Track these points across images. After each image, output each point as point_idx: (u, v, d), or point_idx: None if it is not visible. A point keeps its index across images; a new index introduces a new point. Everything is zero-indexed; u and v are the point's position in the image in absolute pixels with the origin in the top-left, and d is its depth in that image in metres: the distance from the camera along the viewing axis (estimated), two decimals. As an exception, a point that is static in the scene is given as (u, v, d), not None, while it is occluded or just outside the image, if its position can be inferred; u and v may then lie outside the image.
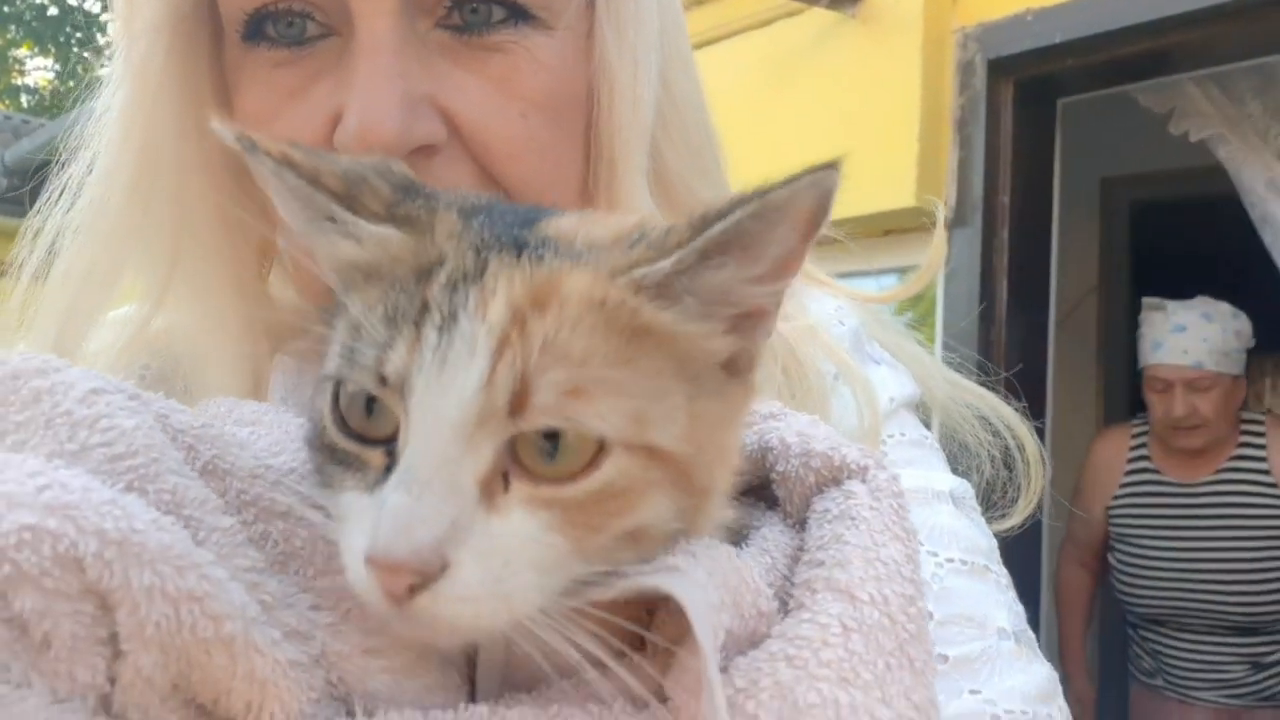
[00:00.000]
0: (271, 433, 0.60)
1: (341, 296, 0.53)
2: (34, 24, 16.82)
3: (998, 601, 0.83)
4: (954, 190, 3.39)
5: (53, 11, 16.80)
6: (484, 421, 0.48)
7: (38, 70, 18.20)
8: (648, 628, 0.53)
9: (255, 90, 0.82)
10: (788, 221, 0.51)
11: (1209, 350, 3.49)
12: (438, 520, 0.47)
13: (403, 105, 0.75)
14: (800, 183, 0.50)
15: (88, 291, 0.87)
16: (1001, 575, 0.86)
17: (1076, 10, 3.14)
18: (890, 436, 0.93)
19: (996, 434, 0.95)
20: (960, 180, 3.39)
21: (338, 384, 0.52)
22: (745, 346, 0.56)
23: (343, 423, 0.52)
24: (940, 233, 0.98)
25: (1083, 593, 3.85)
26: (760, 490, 0.65)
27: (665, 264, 0.51)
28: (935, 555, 0.84)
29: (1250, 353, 3.59)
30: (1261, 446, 3.55)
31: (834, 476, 0.60)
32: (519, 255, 0.51)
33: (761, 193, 0.50)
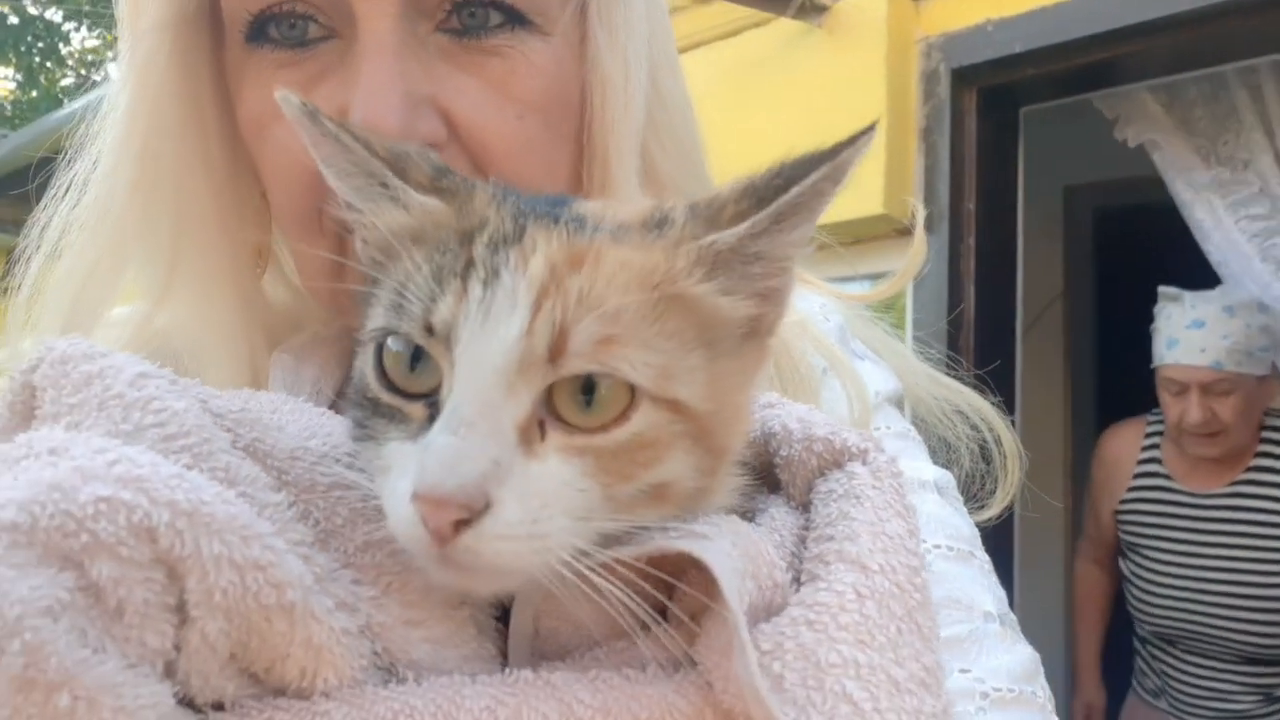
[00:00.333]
0: (298, 419, 0.63)
1: (388, 261, 0.57)
2: (-6, 33, 16.61)
3: (983, 585, 0.86)
4: (921, 198, 3.44)
5: (13, 21, 16.55)
6: (525, 368, 0.51)
7: (-1, 80, 17.97)
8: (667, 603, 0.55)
9: (257, 91, 0.84)
10: (845, 180, 0.56)
11: (1230, 349, 3.10)
12: (482, 458, 0.50)
13: (405, 105, 0.77)
14: (859, 142, 0.55)
15: (91, 289, 0.88)
16: (985, 561, 0.89)
17: (1035, 20, 3.20)
18: (876, 429, 0.95)
19: (974, 428, 0.98)
20: (927, 188, 3.43)
21: (380, 343, 0.55)
22: (766, 311, 0.60)
23: (385, 378, 0.55)
24: (921, 233, 1.01)
25: (1097, 592, 3.58)
26: (762, 477, 0.68)
27: (740, 229, 0.56)
28: (924, 541, 0.87)
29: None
30: None
31: (836, 459, 0.63)
32: (555, 223, 0.55)
33: (831, 154, 0.55)
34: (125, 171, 0.87)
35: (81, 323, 0.87)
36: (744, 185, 0.57)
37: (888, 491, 0.61)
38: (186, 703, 0.49)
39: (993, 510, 0.98)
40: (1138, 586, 3.36)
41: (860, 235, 3.08)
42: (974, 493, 0.98)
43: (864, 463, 0.63)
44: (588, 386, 0.52)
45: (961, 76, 3.40)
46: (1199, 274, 3.46)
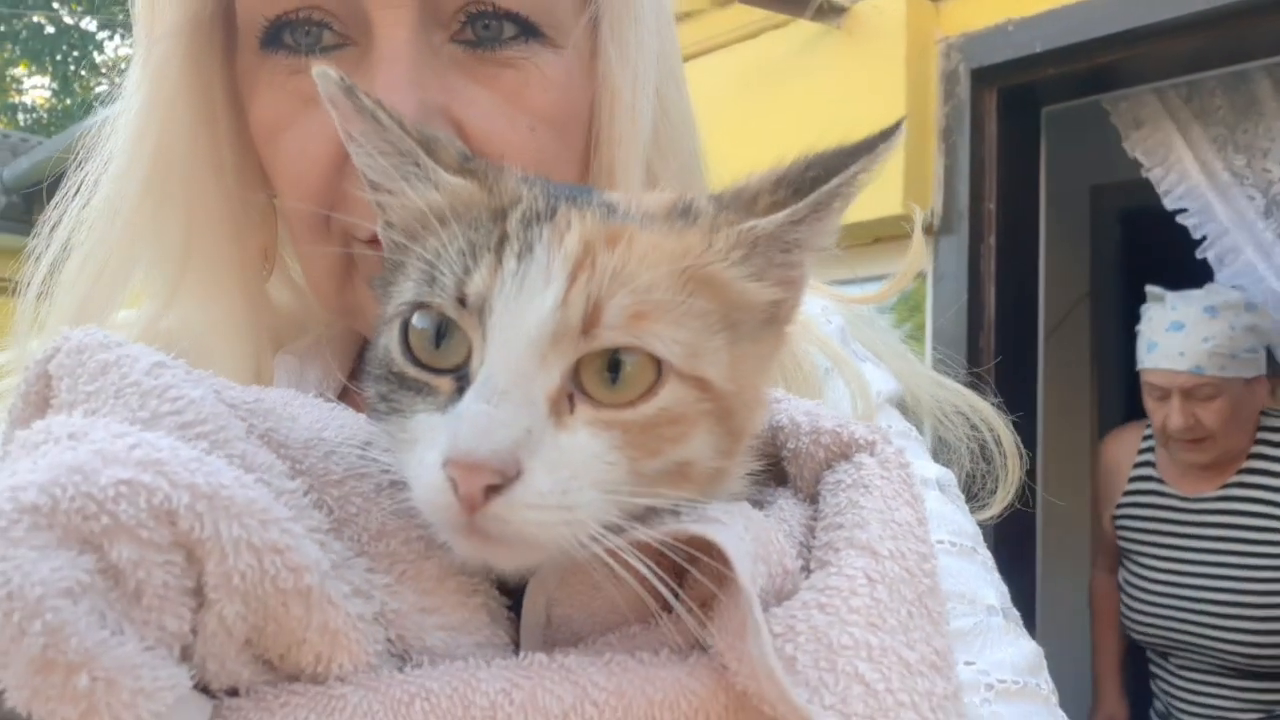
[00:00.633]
0: (310, 411, 0.63)
1: (411, 242, 0.58)
2: (31, 43, 16.86)
3: (986, 580, 0.86)
4: (940, 198, 3.43)
5: (49, 30, 16.77)
6: (558, 340, 0.52)
7: (35, 89, 18.25)
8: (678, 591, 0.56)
9: (270, 96, 0.85)
10: (874, 174, 0.57)
11: (1210, 352, 2.95)
12: (516, 425, 0.51)
13: (419, 113, 0.78)
14: (893, 136, 0.57)
15: (100, 289, 0.89)
16: (987, 557, 0.90)
17: (1055, 20, 3.19)
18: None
19: (975, 428, 0.99)
20: (946, 188, 3.43)
21: (406, 319, 0.56)
22: (788, 298, 0.61)
23: (409, 353, 0.56)
24: (918, 238, 1.02)
25: (1110, 601, 3.39)
26: (770, 470, 0.68)
27: (780, 216, 0.57)
28: None
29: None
30: (1278, 459, 3.04)
31: (843, 451, 0.64)
32: (587, 205, 0.57)
33: (867, 146, 0.57)
34: (137, 173, 0.88)
35: (89, 323, 0.88)
36: (775, 176, 0.59)
37: (896, 481, 0.62)
38: (201, 688, 0.49)
39: (993, 510, 0.99)
40: (1129, 594, 3.25)
41: (879, 235, 3.07)
42: (975, 492, 0.99)
43: (871, 454, 0.63)
44: (613, 365, 0.53)
45: (981, 77, 3.40)
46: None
